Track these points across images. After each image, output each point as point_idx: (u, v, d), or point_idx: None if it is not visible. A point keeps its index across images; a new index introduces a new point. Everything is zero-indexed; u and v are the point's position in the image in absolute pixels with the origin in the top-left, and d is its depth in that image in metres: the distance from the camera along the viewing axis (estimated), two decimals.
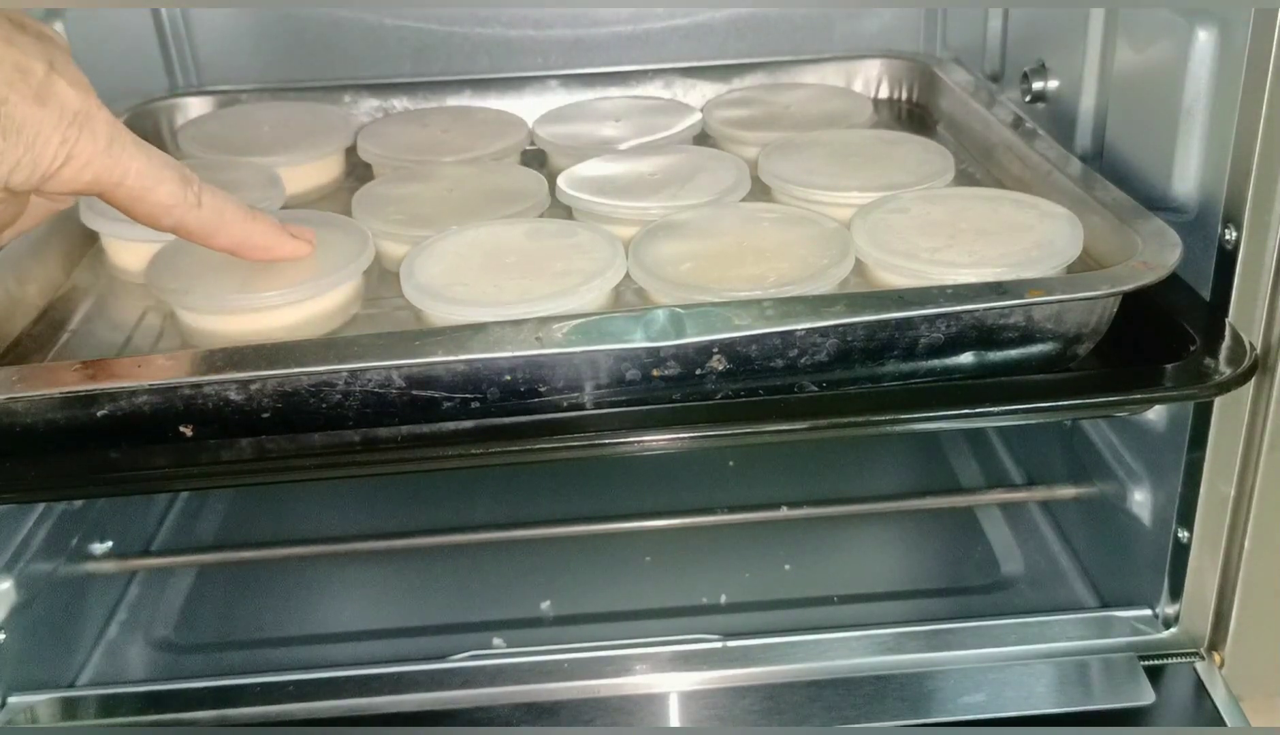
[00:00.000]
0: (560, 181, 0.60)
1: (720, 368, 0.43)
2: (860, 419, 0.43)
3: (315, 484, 0.76)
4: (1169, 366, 0.45)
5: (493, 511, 0.73)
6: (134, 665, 0.61)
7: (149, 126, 0.73)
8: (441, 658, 0.54)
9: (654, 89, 0.77)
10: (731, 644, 0.54)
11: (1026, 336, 0.45)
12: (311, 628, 0.64)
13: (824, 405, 0.44)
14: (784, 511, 0.67)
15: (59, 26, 0.69)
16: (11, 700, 0.53)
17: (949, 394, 0.45)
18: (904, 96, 0.79)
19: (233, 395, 0.42)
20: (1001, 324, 0.44)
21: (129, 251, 0.57)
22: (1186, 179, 0.50)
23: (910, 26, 0.84)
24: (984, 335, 0.45)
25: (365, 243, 0.52)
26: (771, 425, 0.43)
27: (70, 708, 0.54)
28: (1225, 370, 0.44)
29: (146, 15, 0.80)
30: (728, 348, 0.43)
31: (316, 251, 0.52)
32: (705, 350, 0.43)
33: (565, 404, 0.43)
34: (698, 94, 0.78)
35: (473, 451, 0.42)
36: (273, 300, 0.48)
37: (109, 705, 0.53)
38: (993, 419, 0.45)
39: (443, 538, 0.68)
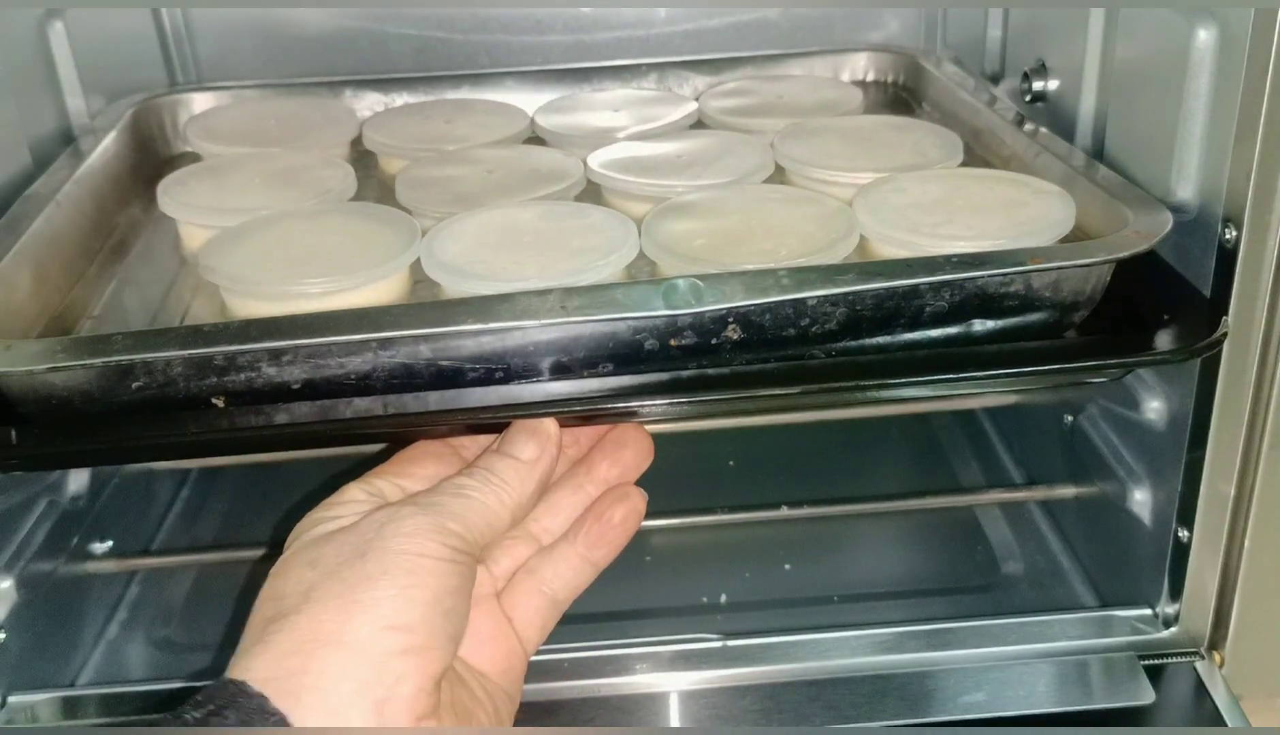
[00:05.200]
0: (590, 161, 0.62)
1: (735, 337, 0.44)
2: (850, 384, 0.45)
3: (315, 483, 0.76)
4: (1147, 333, 0.46)
5: None
6: (134, 665, 0.61)
7: (153, 122, 0.73)
8: None
9: (648, 83, 0.78)
10: (731, 644, 0.54)
11: (1025, 304, 0.46)
12: None
13: (811, 373, 0.45)
14: (784, 511, 0.67)
15: (59, 26, 0.69)
16: (11, 700, 0.53)
17: (929, 362, 0.45)
18: (890, 83, 0.80)
19: (265, 366, 0.43)
20: (1003, 292, 0.45)
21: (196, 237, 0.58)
22: (1186, 179, 0.50)
23: (910, 28, 0.85)
24: (986, 303, 0.46)
25: (414, 235, 0.52)
26: (764, 390, 0.44)
27: (70, 707, 0.53)
28: (1197, 336, 0.46)
29: (147, 16, 0.80)
30: (743, 317, 0.44)
31: (366, 242, 0.52)
32: (722, 319, 0.44)
33: (585, 374, 0.44)
34: (690, 87, 0.78)
35: (481, 416, 0.43)
36: (319, 287, 0.49)
37: (109, 705, 0.53)
38: (973, 384, 0.46)
39: None
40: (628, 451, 0.46)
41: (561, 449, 0.43)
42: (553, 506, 0.45)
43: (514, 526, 0.41)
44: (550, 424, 0.42)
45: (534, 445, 0.42)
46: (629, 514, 0.44)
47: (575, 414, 0.44)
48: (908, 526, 0.71)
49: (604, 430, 0.46)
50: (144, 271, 0.58)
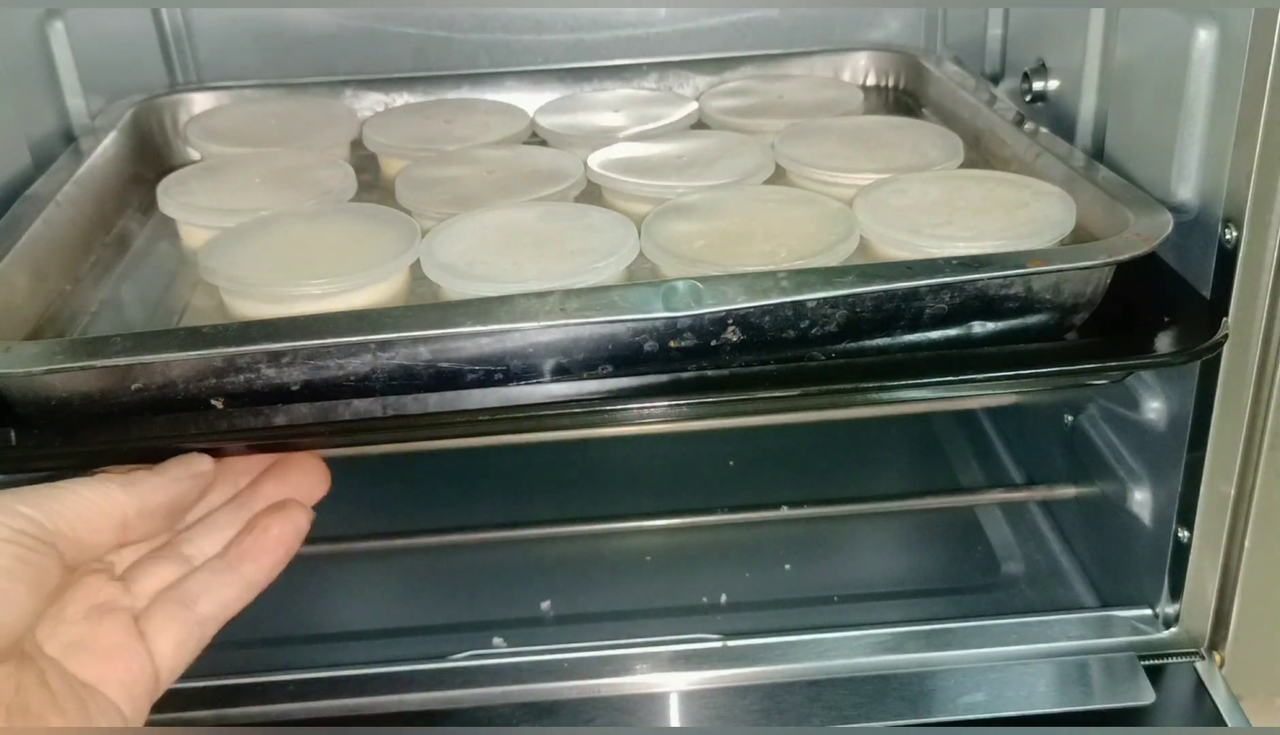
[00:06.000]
0: (590, 161, 0.62)
1: (734, 339, 0.44)
2: (849, 387, 0.45)
3: None
4: (1147, 335, 0.46)
5: (493, 511, 0.73)
6: None
7: (153, 123, 0.73)
8: (441, 658, 0.54)
9: (649, 83, 0.78)
10: (731, 644, 0.54)
11: (1026, 307, 0.46)
12: (311, 628, 0.64)
13: (811, 374, 0.45)
14: (784, 511, 0.67)
15: (59, 26, 0.69)
16: None
17: (929, 364, 0.45)
18: (890, 86, 0.80)
19: (264, 368, 0.43)
20: (1003, 294, 0.46)
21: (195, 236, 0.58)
22: (1186, 179, 0.50)
23: (911, 27, 0.85)
24: (985, 305, 0.46)
25: (413, 236, 0.53)
26: (764, 392, 0.44)
27: None
28: (1197, 338, 0.46)
29: (147, 16, 0.80)
30: (742, 319, 0.44)
31: (366, 243, 0.52)
32: (721, 322, 0.44)
33: (585, 376, 0.44)
34: (691, 87, 0.78)
35: (479, 418, 0.43)
36: (319, 288, 0.49)
37: None
38: (974, 386, 0.46)
39: (443, 537, 0.68)
40: (295, 473, 0.44)
41: (227, 476, 0.43)
42: (211, 527, 0.43)
43: (125, 535, 0.39)
44: (206, 459, 0.41)
45: (181, 469, 0.41)
46: (287, 527, 0.43)
47: (574, 416, 0.44)
48: (908, 526, 0.71)
49: (273, 459, 0.45)
50: (144, 272, 0.58)
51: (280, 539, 0.43)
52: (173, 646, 0.40)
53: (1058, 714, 0.51)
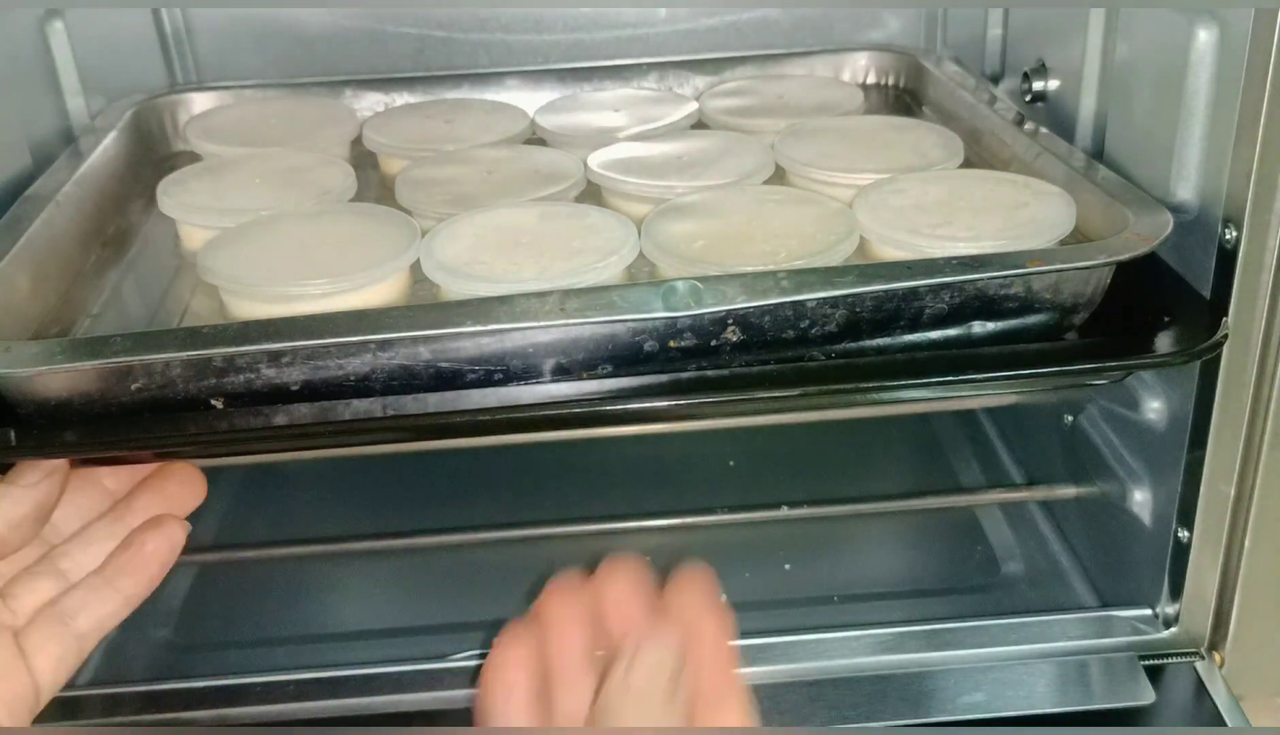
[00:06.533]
0: (590, 161, 0.62)
1: (734, 339, 0.44)
2: (849, 387, 0.45)
3: (315, 483, 0.76)
4: (1147, 335, 0.46)
5: (493, 511, 0.73)
6: (134, 665, 0.61)
7: (153, 123, 0.73)
8: (441, 658, 0.54)
9: (649, 83, 0.78)
10: (731, 644, 0.54)
11: (1025, 307, 0.46)
12: (311, 628, 0.64)
13: (810, 374, 0.45)
14: (784, 511, 0.67)
15: (59, 26, 0.69)
16: None
17: (929, 364, 0.46)
18: (890, 86, 0.80)
19: (264, 368, 0.43)
20: (1003, 294, 0.46)
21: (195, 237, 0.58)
22: (1186, 179, 0.50)
23: (911, 27, 0.85)
24: (985, 305, 0.46)
25: (413, 236, 0.53)
26: (763, 392, 0.44)
27: (71, 707, 0.53)
28: (1197, 338, 0.46)
29: (147, 16, 0.81)
30: (742, 319, 0.44)
31: (366, 243, 0.52)
32: (721, 321, 0.44)
33: (585, 376, 0.45)
34: (691, 87, 0.78)
35: (479, 418, 0.43)
36: (319, 288, 0.49)
37: (109, 705, 0.53)
38: (973, 386, 0.46)
39: (443, 537, 0.68)
40: (172, 484, 0.45)
41: (99, 485, 0.44)
42: (87, 541, 0.44)
43: (4, 550, 0.41)
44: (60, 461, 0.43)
45: (35, 473, 0.42)
46: (162, 543, 0.43)
47: (574, 416, 0.44)
48: (908, 526, 0.71)
49: (150, 469, 0.46)
50: (144, 272, 0.58)
51: (155, 555, 0.43)
52: (52, 663, 0.41)
53: (1058, 714, 0.51)
